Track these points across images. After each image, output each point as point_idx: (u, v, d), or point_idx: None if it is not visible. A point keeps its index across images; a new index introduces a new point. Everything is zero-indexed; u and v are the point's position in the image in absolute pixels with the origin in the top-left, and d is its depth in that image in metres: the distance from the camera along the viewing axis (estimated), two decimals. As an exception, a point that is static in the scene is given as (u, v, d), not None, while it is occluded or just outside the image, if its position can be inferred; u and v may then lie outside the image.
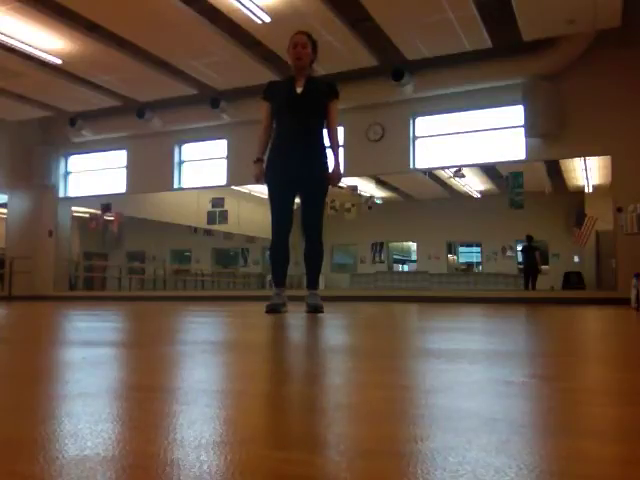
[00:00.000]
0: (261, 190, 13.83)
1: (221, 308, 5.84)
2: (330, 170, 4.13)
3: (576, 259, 15.96)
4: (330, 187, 4.18)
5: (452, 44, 8.29)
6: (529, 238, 13.95)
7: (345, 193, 12.56)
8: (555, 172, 13.74)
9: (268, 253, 4.25)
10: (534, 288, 13.31)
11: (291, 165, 4.02)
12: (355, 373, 1.32)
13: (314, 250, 4.13)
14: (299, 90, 4.07)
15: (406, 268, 20.38)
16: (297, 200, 4.17)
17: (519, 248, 16.11)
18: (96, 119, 11.65)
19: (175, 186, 11.79)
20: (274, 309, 3.96)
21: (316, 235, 4.11)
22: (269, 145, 4.15)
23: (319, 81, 4.35)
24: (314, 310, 4.00)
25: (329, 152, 4.16)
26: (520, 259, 15.88)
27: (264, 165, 4.09)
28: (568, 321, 3.82)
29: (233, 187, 12.32)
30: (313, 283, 4.17)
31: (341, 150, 11.30)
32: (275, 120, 4.13)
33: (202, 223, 13.58)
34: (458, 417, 0.79)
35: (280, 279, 4.15)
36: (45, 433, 0.69)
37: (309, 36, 4.12)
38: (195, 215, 13.86)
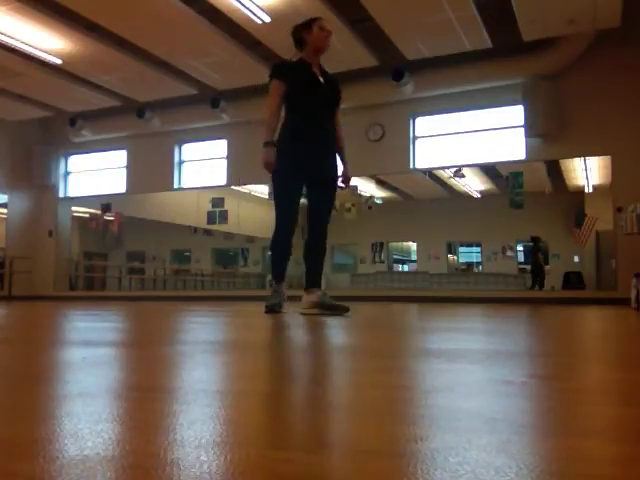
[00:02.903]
0: (261, 190, 13.91)
1: (221, 308, 5.84)
2: (341, 171, 4.08)
3: (576, 259, 15.94)
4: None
5: (452, 44, 8.29)
6: (534, 239, 14.10)
7: (345, 193, 12.54)
8: (555, 172, 13.72)
9: (271, 246, 3.99)
10: (540, 288, 13.40)
11: (311, 157, 3.85)
12: (355, 373, 1.32)
13: (323, 247, 4.02)
14: (321, 79, 3.95)
15: (406, 268, 20.36)
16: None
17: (519, 248, 16.21)
18: (96, 119, 11.64)
19: (175, 186, 11.79)
20: (272, 309, 3.88)
21: (325, 233, 4.02)
22: (280, 129, 3.90)
23: (331, 75, 4.14)
24: (343, 310, 3.75)
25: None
26: (520, 259, 16.04)
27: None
28: (568, 321, 3.82)
29: (233, 187, 12.31)
30: (319, 281, 4.02)
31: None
32: (290, 104, 3.87)
33: (202, 223, 13.57)
34: (458, 417, 0.79)
35: (283, 274, 4.02)
36: (45, 433, 0.69)
37: None
38: (195, 215, 13.85)
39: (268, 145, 3.74)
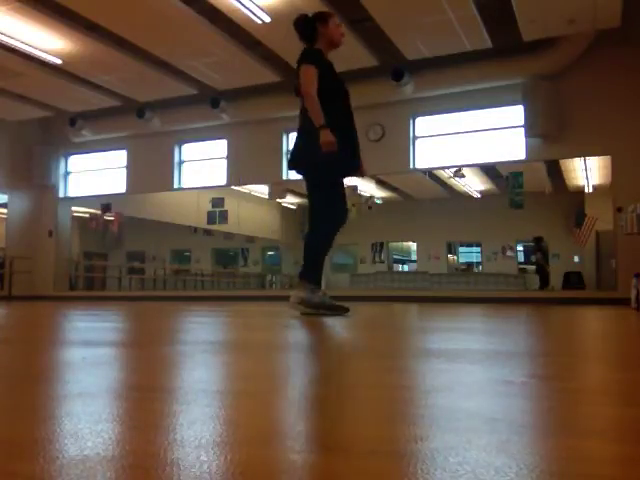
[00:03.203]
0: (261, 190, 13.91)
1: (221, 308, 5.84)
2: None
3: (576, 259, 15.95)
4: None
5: (452, 44, 8.29)
6: (536, 239, 14.15)
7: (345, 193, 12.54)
8: (555, 172, 13.72)
9: (312, 244, 3.80)
10: (541, 288, 13.42)
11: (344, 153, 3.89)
12: (355, 373, 1.32)
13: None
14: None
15: (406, 268, 20.36)
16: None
17: (519, 248, 16.27)
18: (96, 119, 11.64)
19: (175, 186, 11.79)
20: (336, 310, 3.69)
21: None
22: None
23: None
24: (343, 310, 3.71)
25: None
26: (521, 259, 16.15)
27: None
28: (568, 321, 3.82)
29: (233, 187, 12.31)
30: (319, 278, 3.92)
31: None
32: (322, 93, 3.71)
33: (202, 223, 13.57)
34: (458, 417, 0.79)
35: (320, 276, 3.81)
36: (45, 433, 0.70)
37: None
38: (195, 215, 13.86)
39: (325, 127, 3.64)
